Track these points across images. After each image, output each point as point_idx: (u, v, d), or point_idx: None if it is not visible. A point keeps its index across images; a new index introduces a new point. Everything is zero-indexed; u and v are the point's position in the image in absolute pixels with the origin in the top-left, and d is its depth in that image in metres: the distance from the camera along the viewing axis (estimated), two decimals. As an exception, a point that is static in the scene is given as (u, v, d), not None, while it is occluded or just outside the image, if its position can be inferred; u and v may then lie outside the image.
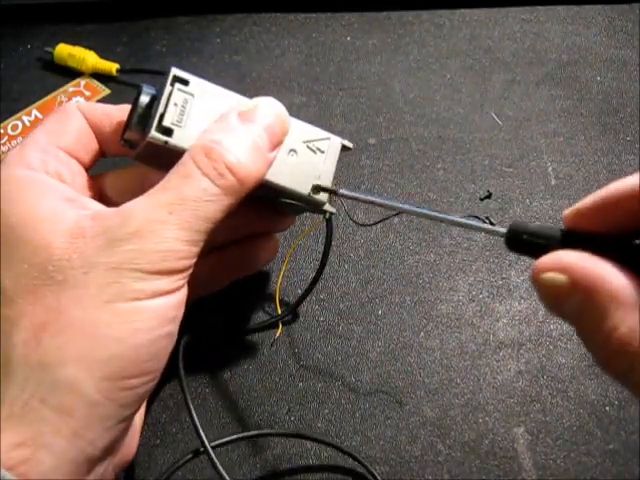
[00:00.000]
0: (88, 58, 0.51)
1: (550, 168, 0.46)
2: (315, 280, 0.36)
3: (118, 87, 0.52)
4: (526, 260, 0.41)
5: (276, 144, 0.29)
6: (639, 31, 0.55)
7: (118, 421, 0.25)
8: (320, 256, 0.36)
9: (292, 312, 0.38)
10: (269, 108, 0.29)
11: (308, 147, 0.32)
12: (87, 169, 0.31)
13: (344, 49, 0.54)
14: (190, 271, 0.27)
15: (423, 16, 0.57)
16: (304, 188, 0.32)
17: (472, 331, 0.38)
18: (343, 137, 0.33)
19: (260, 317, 0.38)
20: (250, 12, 0.57)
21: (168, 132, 0.28)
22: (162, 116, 0.28)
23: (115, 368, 0.24)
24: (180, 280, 0.26)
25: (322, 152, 0.32)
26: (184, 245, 0.25)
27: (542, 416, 0.35)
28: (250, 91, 0.51)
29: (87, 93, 0.51)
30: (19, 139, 0.48)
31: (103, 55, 0.52)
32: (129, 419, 0.26)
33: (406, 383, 0.36)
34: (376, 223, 0.37)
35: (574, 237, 0.21)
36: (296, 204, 0.33)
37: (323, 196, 0.32)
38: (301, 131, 0.32)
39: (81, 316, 0.24)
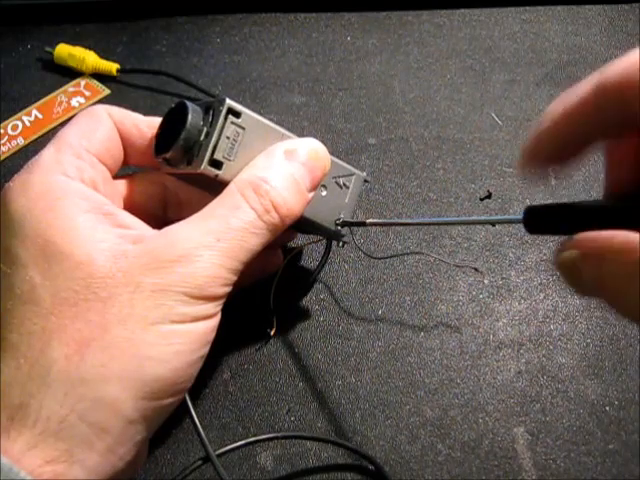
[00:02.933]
0: (88, 58, 0.51)
1: (550, 168, 0.46)
2: (308, 287, 0.38)
3: (118, 87, 0.52)
4: (526, 260, 0.41)
5: (316, 185, 0.31)
6: (639, 31, 0.55)
7: (145, 436, 0.26)
8: (319, 257, 0.36)
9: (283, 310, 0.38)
10: (313, 150, 0.30)
11: (336, 183, 0.33)
12: (113, 176, 0.31)
13: (344, 49, 0.54)
14: (226, 298, 0.27)
15: (423, 16, 0.57)
16: (330, 222, 0.33)
17: (472, 331, 0.38)
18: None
19: (256, 316, 0.38)
20: (250, 12, 0.57)
21: (218, 165, 0.28)
22: (214, 149, 0.28)
23: (155, 389, 0.24)
24: (219, 306, 0.27)
25: (347, 187, 0.34)
26: (227, 273, 0.26)
27: (542, 416, 0.35)
28: (250, 91, 0.51)
29: (87, 93, 0.51)
30: (19, 139, 0.48)
31: (103, 55, 0.52)
32: (152, 433, 0.27)
33: (406, 383, 0.36)
34: (390, 257, 0.40)
35: (587, 209, 0.22)
36: (316, 232, 0.34)
37: (344, 229, 0.34)
38: (332, 167, 0.32)
39: (126, 335, 0.24)
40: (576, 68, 0.52)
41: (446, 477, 0.33)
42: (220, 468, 0.29)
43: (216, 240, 0.26)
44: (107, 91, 0.51)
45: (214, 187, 0.29)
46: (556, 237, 0.42)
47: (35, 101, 0.50)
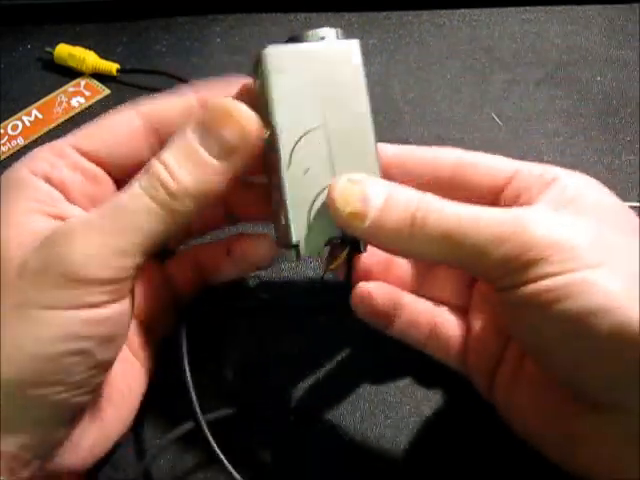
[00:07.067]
0: (88, 58, 0.51)
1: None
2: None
3: (118, 87, 0.52)
4: (526, 260, 0.41)
5: (229, 149, 0.26)
6: (639, 31, 0.55)
7: (34, 423, 0.24)
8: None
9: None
10: (215, 105, 0.26)
11: None
12: (119, 178, 0.29)
13: (344, 49, 0.54)
14: (122, 287, 0.25)
15: (423, 16, 0.57)
16: (301, 217, 0.27)
17: (472, 331, 0.38)
18: None
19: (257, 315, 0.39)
20: (250, 12, 0.57)
21: None
22: None
23: (12, 373, 0.23)
24: (105, 295, 0.24)
25: None
26: (113, 254, 0.24)
27: (542, 416, 0.35)
28: (250, 91, 0.51)
29: (87, 93, 0.51)
30: (19, 139, 0.48)
31: (103, 55, 0.52)
32: (57, 422, 0.25)
33: (406, 383, 0.36)
34: None
35: None
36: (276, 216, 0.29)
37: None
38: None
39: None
40: (576, 68, 0.52)
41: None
42: (205, 428, 0.29)
43: (100, 217, 0.25)
44: (107, 91, 0.51)
45: None
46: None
47: (35, 101, 0.50)
